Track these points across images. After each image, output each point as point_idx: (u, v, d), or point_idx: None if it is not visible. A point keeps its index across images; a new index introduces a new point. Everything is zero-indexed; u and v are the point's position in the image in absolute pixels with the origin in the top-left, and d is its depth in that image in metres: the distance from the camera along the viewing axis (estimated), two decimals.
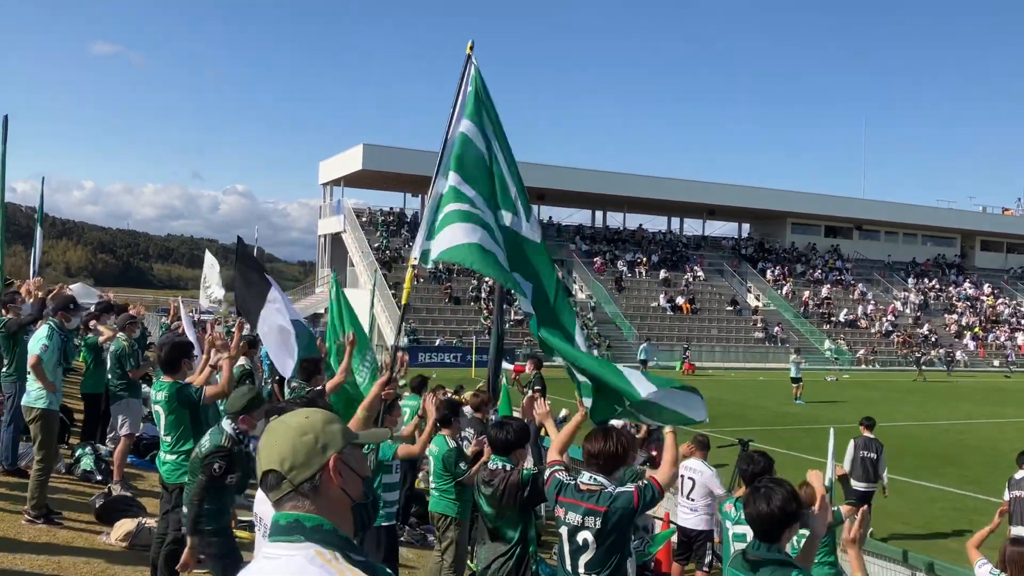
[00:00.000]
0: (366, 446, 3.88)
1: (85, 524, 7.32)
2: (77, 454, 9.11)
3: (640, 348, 33.78)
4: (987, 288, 55.68)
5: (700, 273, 48.39)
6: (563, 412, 12.53)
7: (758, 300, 48.46)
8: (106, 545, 6.84)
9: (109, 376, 9.23)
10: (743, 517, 3.91)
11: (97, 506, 7.53)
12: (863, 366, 42.75)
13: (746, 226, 58.69)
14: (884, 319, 48.39)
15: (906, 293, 52.70)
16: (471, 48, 5.03)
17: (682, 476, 8.11)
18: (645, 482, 4.17)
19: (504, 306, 18.90)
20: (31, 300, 9.52)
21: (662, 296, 44.73)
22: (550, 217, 50.71)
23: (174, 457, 5.92)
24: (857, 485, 10.21)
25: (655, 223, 55.22)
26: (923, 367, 38.34)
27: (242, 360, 9.07)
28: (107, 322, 10.04)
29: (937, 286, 54.63)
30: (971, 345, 47.94)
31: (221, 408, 5.87)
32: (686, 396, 4.25)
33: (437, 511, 6.76)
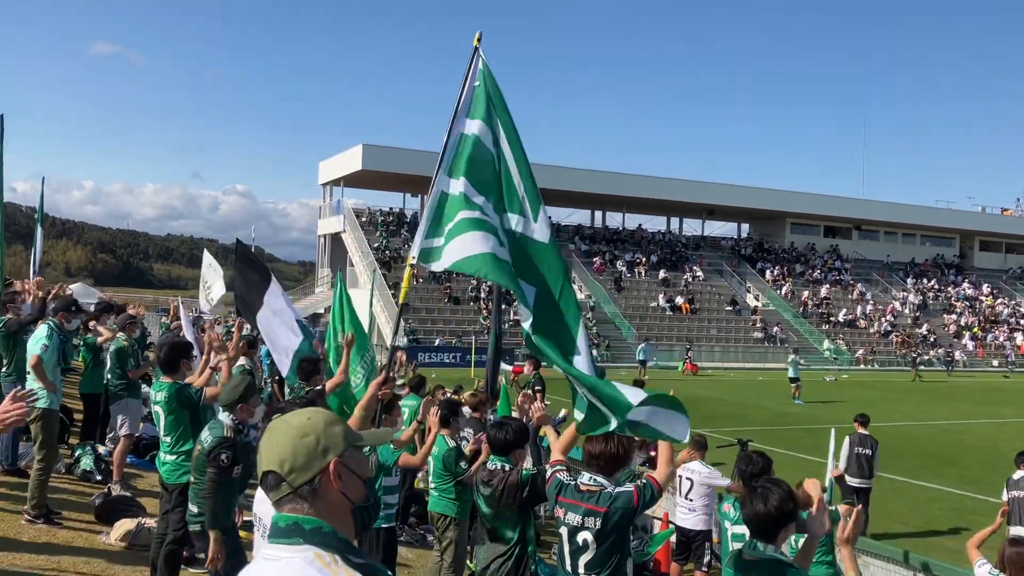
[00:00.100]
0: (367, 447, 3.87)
1: (85, 524, 7.32)
2: (77, 454, 9.11)
3: (639, 348, 33.74)
4: (986, 288, 55.71)
5: (699, 273, 48.40)
6: (562, 412, 12.56)
7: (757, 300, 48.47)
8: (106, 545, 6.85)
9: (109, 376, 9.23)
10: (742, 517, 3.93)
11: (97, 506, 7.54)
12: (862, 366, 42.75)
13: (745, 226, 58.70)
14: (883, 319, 48.41)
15: (905, 293, 52.71)
16: (479, 40, 4.76)
17: (680, 476, 8.13)
18: (644, 481, 4.18)
19: (503, 306, 18.89)
20: (31, 300, 9.53)
21: (661, 296, 44.73)
22: (549, 217, 50.29)
23: (174, 457, 5.92)
24: (852, 481, 10.58)
25: (654, 223, 55.29)
26: (920, 367, 38.35)
27: (242, 360, 9.08)
28: (107, 322, 10.04)
29: (936, 286, 54.65)
30: (970, 345, 47.96)
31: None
32: (672, 417, 4.19)
33: (436, 511, 6.77)
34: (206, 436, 5.17)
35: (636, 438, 4.61)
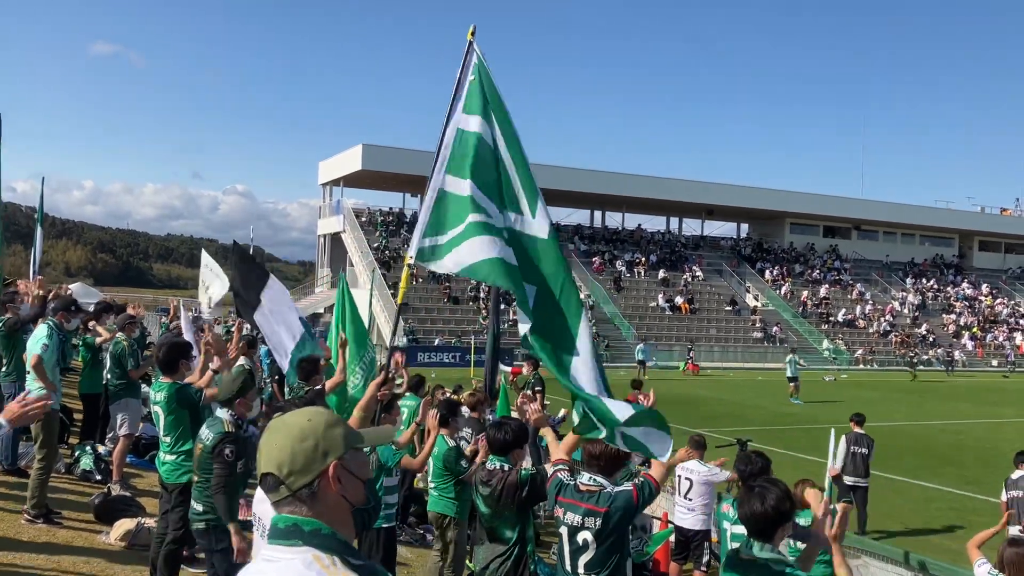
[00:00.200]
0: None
1: (84, 524, 7.33)
2: (76, 454, 9.12)
3: (638, 348, 33.72)
4: (985, 288, 55.73)
5: (699, 273, 48.41)
6: (561, 412, 12.56)
7: (757, 300, 48.47)
8: (105, 545, 6.85)
9: (108, 376, 9.23)
10: (739, 517, 3.93)
11: (96, 505, 7.54)
12: (861, 366, 42.76)
13: (745, 226, 58.71)
14: (882, 319, 48.43)
15: (904, 293, 52.72)
16: (472, 34, 4.68)
17: (679, 476, 8.15)
18: (642, 480, 4.19)
19: (501, 306, 18.87)
20: (30, 301, 9.54)
21: (661, 296, 44.74)
22: (548, 211, 50.55)
23: (173, 457, 5.93)
24: (848, 480, 10.80)
25: (654, 223, 55.32)
26: (918, 367, 38.34)
27: (242, 360, 9.08)
28: (106, 322, 10.05)
29: (935, 286, 54.67)
30: (969, 345, 47.98)
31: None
32: (655, 434, 4.21)
33: (436, 511, 6.77)
34: (207, 433, 5.18)
35: None
